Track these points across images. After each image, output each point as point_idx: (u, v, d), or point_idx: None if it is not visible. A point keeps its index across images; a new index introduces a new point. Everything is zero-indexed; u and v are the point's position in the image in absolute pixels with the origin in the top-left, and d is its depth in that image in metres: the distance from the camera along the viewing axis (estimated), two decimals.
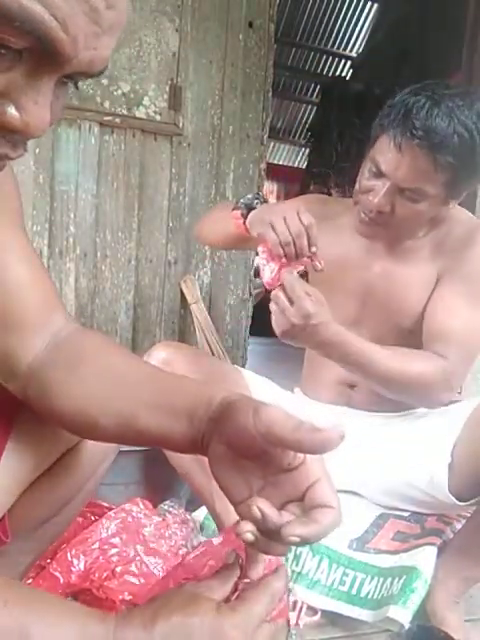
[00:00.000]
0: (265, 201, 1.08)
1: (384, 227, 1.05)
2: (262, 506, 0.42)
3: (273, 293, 0.94)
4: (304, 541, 0.41)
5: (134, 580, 1.01)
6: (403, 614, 0.91)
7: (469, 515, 1.04)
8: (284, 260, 0.96)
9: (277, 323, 0.93)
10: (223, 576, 0.46)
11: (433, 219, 1.08)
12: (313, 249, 0.96)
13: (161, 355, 1.12)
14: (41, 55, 0.33)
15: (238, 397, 0.48)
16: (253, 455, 0.44)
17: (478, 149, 0.94)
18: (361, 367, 0.99)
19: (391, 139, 0.97)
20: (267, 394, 1.23)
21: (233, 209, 1.09)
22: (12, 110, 0.34)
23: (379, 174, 1.00)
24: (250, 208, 1.06)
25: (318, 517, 0.42)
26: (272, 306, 0.94)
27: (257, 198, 1.08)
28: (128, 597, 0.97)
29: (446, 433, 1.05)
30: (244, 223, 1.06)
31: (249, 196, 1.09)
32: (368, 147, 1.06)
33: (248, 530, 0.42)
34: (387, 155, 0.98)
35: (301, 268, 0.98)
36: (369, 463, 1.18)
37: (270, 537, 0.43)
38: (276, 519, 0.42)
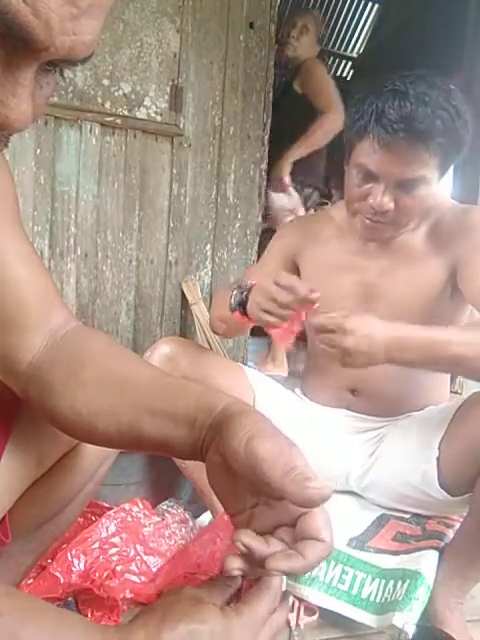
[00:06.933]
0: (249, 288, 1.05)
1: (390, 224, 1.07)
2: (246, 541, 0.41)
3: (318, 338, 0.94)
4: (288, 574, 0.40)
5: (135, 579, 1.01)
6: (407, 621, 0.90)
7: None
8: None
9: (337, 358, 0.93)
10: (223, 583, 0.45)
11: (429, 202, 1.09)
12: (307, 297, 0.93)
13: (164, 350, 1.12)
14: (14, 42, 0.30)
15: (238, 410, 0.46)
16: (245, 477, 0.43)
17: (457, 122, 0.97)
18: (429, 356, 0.92)
19: (375, 141, 0.99)
20: (269, 392, 1.24)
21: (232, 312, 1.07)
22: None
23: (369, 177, 1.02)
24: (244, 303, 1.04)
25: (306, 551, 0.40)
26: (323, 348, 0.93)
27: (242, 290, 1.05)
28: (129, 595, 0.97)
29: (436, 429, 1.06)
30: (248, 318, 1.05)
31: (236, 293, 1.06)
32: (345, 160, 1.08)
33: (236, 567, 0.41)
34: (374, 157, 1.00)
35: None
36: (368, 465, 1.18)
37: (259, 565, 0.42)
38: (262, 550, 0.41)
